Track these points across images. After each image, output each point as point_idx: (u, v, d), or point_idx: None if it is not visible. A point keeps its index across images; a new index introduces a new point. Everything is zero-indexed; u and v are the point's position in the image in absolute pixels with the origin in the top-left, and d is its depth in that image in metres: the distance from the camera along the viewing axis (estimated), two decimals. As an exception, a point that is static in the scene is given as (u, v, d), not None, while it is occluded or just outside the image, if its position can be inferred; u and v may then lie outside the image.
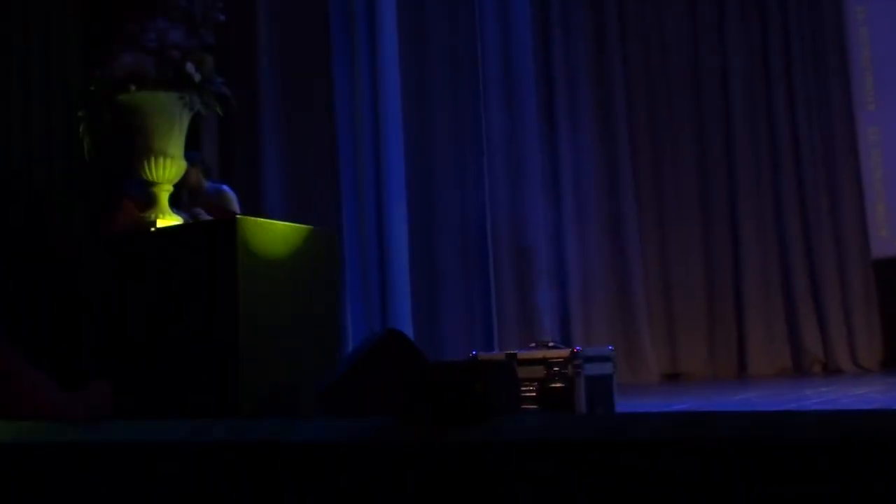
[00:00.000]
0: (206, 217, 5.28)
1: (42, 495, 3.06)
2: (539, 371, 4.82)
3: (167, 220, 5.08)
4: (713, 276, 9.25)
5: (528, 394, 4.79)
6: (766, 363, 8.88)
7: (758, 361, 8.89)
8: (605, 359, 5.00)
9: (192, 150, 5.45)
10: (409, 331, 6.96)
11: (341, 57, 7.24)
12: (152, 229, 4.94)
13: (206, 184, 5.63)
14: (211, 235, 4.68)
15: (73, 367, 4.83)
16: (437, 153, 8.04)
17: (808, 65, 9.10)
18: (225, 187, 5.72)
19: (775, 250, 9.08)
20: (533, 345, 5.26)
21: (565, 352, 4.86)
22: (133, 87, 4.96)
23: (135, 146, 5.11)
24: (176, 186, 5.30)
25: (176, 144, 5.15)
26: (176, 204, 5.37)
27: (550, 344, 5.11)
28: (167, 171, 5.14)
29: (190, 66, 4.99)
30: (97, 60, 5.12)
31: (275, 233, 4.71)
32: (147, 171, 5.09)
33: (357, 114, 7.38)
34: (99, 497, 2.96)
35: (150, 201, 5.06)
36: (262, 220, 4.77)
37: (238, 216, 5.46)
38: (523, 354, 4.96)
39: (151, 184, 5.11)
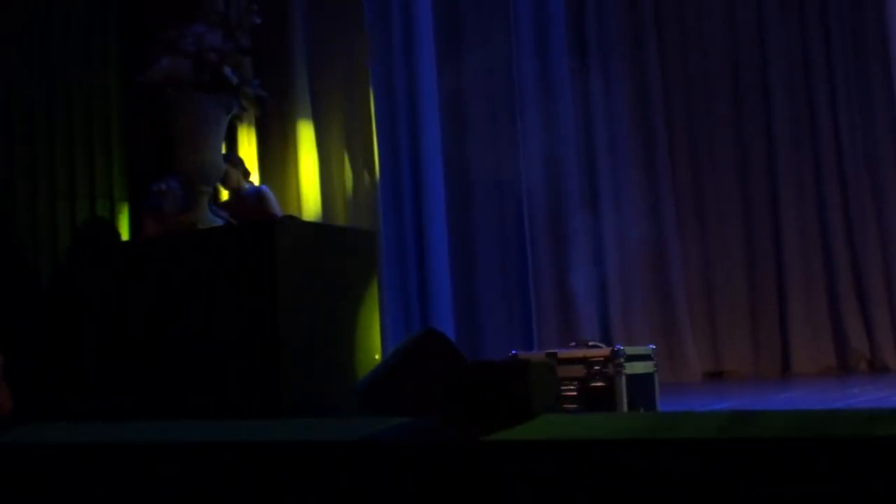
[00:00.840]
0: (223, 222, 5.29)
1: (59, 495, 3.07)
2: (579, 370, 4.79)
3: (206, 222, 5.11)
4: (755, 273, 9.15)
5: (568, 393, 4.76)
6: (811, 361, 8.76)
7: (802, 359, 8.78)
8: (646, 357, 4.96)
9: (230, 152, 5.48)
10: (448, 330, 6.95)
11: (378, 56, 7.25)
12: (193, 230, 4.98)
13: (246, 185, 5.64)
14: (250, 237, 4.70)
15: (102, 367, 4.88)
16: (474, 162, 8.05)
17: (849, 64, 8.99)
18: (264, 188, 5.73)
19: (818, 246, 8.97)
20: (573, 344, 5.22)
21: (606, 351, 4.82)
22: (171, 91, 5.01)
23: (174, 149, 5.16)
24: (215, 188, 5.33)
25: (214, 146, 5.19)
26: (216, 205, 5.41)
27: (591, 343, 5.07)
28: (206, 173, 5.17)
29: (227, 69, 5.03)
30: (137, 66, 5.18)
31: (313, 233, 4.72)
32: (186, 173, 5.13)
33: (394, 110, 7.39)
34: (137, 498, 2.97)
35: (175, 207, 5.10)
36: (300, 220, 4.78)
37: (277, 218, 5.49)
38: (563, 353, 4.92)
39: (190, 186, 5.15)
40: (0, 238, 4.91)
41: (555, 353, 4.94)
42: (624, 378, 4.73)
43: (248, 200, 5.55)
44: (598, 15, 9.15)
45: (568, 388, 4.76)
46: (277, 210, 5.58)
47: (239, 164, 5.58)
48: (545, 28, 8.81)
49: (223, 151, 5.42)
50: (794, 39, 9.11)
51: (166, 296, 4.80)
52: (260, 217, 5.35)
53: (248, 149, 6.16)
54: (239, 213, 5.39)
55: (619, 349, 4.80)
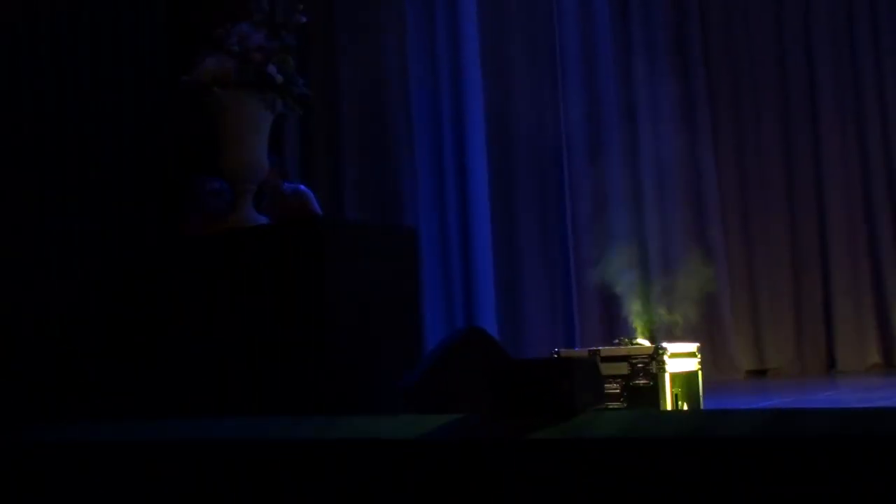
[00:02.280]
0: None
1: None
2: (623, 368, 4.79)
3: (251, 220, 5.15)
4: (799, 269, 9.06)
5: (611, 391, 4.76)
6: (856, 359, 8.67)
7: (847, 357, 8.69)
8: (690, 355, 4.95)
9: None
10: (491, 328, 6.97)
11: (418, 54, 7.28)
12: (237, 229, 5.03)
13: (283, 185, 5.67)
14: (292, 236, 4.74)
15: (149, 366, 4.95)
16: (519, 155, 8.05)
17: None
18: (302, 187, 5.75)
19: (864, 242, 8.87)
20: (616, 341, 5.22)
21: (649, 348, 4.82)
22: (217, 90, 5.06)
23: (218, 148, 5.21)
24: (259, 187, 5.36)
25: (259, 146, 5.23)
26: (258, 206, 5.45)
27: (634, 340, 5.07)
28: (250, 172, 5.22)
29: (272, 68, 5.07)
30: (184, 66, 5.23)
31: (356, 232, 4.75)
32: (231, 172, 5.18)
33: (437, 107, 7.41)
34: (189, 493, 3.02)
35: (219, 207, 5.15)
36: (343, 219, 4.81)
37: (318, 216, 5.52)
38: (607, 351, 4.93)
39: (233, 185, 5.21)
40: (52, 233, 4.97)
41: (598, 351, 4.94)
42: (668, 376, 4.73)
43: (287, 200, 5.58)
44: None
45: (611, 386, 4.76)
46: (318, 209, 5.61)
47: (275, 164, 5.60)
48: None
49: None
50: (843, 53, 9.02)
51: (210, 294, 4.86)
52: (301, 216, 5.37)
53: (293, 148, 6.21)
54: (279, 213, 5.42)
55: (662, 347, 4.80)
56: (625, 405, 4.73)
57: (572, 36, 8.69)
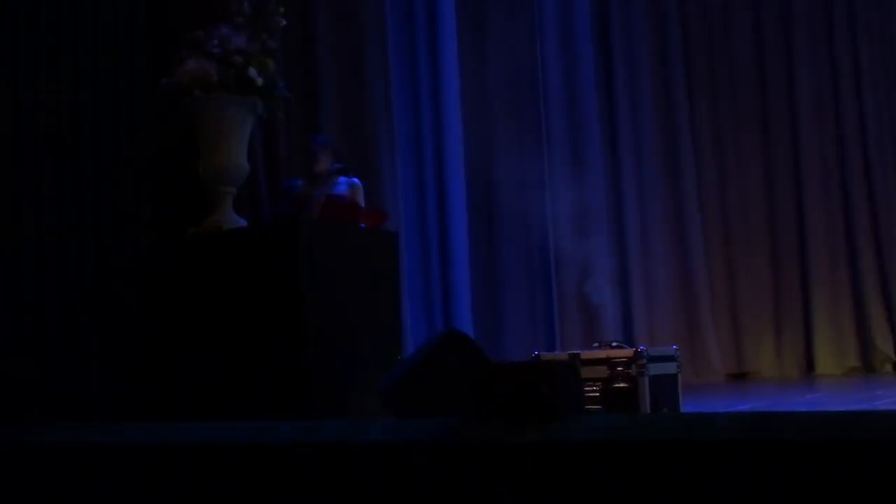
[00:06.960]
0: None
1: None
2: (602, 371, 4.80)
3: (231, 223, 5.13)
4: (779, 274, 9.12)
5: (591, 394, 4.77)
6: (835, 362, 8.73)
7: (826, 361, 8.75)
8: (669, 358, 4.96)
9: (320, 134, 5.40)
10: (470, 331, 6.97)
11: (399, 56, 7.28)
12: (219, 231, 5.01)
13: (340, 178, 5.48)
14: (274, 238, 4.73)
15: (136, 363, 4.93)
16: (498, 161, 8.05)
17: (878, 73, 8.96)
18: (356, 180, 5.58)
19: (843, 247, 8.94)
20: (596, 344, 5.23)
21: (629, 351, 4.83)
22: (197, 93, 5.04)
23: (200, 150, 5.19)
24: (239, 189, 5.34)
25: (239, 148, 5.21)
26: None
27: (614, 344, 5.08)
28: (230, 174, 5.20)
29: (252, 71, 5.05)
30: (163, 68, 5.21)
31: (336, 234, 4.74)
32: (210, 175, 5.16)
33: (417, 110, 7.41)
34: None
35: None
36: (321, 221, 4.81)
37: (300, 217, 5.48)
38: (586, 354, 4.94)
39: (214, 187, 5.18)
40: (29, 245, 4.92)
41: (578, 354, 4.95)
42: (647, 379, 4.73)
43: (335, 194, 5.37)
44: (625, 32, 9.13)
45: (590, 389, 4.77)
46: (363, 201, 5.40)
47: (329, 146, 5.32)
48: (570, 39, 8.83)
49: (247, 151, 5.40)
50: (820, 37, 9.08)
51: (192, 297, 4.85)
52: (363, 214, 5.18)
53: (285, 149, 6.19)
54: (328, 205, 5.21)
55: (642, 350, 4.81)
56: (603, 408, 4.74)
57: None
